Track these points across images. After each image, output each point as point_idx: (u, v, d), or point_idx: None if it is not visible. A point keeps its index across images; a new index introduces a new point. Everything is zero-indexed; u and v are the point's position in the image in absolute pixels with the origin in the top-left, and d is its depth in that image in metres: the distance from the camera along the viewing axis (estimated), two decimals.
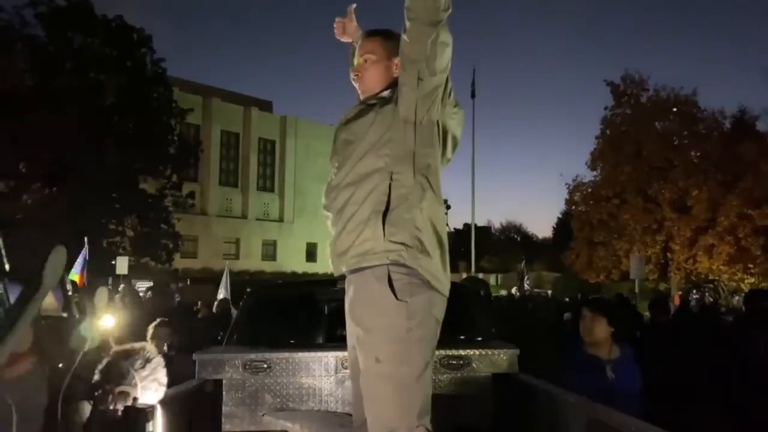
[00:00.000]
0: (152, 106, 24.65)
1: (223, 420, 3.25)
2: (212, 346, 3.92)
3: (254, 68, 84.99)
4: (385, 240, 1.96)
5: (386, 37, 2.24)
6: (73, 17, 22.80)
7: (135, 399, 2.23)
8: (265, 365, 3.27)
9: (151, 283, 17.44)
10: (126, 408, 2.08)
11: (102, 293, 1.84)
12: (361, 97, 2.24)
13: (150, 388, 2.31)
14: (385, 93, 2.15)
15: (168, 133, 25.60)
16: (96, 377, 2.22)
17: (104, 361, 2.30)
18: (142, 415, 2.04)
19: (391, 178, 2.00)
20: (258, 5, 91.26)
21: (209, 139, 35.56)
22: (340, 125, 2.20)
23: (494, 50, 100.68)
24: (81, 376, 2.11)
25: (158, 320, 4.73)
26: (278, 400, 3.27)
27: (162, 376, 2.39)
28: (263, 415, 3.24)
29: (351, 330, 2.12)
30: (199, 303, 9.45)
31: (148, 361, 2.35)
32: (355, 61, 2.26)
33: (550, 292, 23.34)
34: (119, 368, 2.28)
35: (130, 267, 16.83)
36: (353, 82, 2.27)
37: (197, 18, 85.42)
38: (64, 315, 1.69)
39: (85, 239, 8.92)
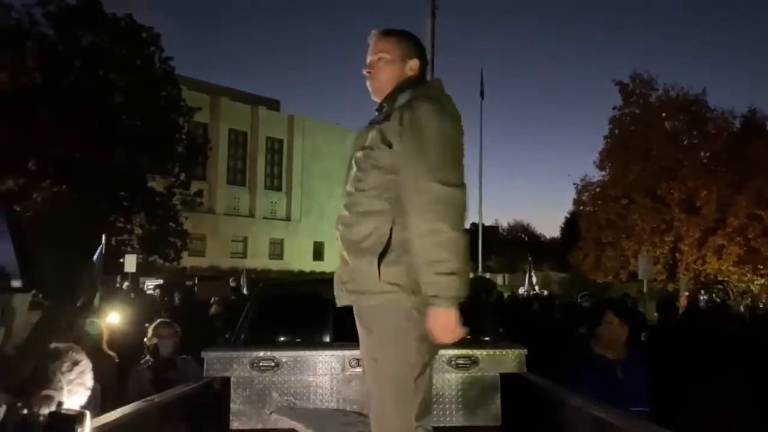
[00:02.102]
0: (160, 105, 24.76)
1: (231, 418, 3.26)
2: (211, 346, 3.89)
3: (262, 67, 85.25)
4: (381, 281, 1.95)
5: (401, 37, 2.23)
6: (82, 16, 22.94)
7: (60, 403, 2.18)
8: (273, 363, 3.28)
9: (160, 281, 17.53)
10: (52, 414, 2.03)
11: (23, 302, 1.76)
12: (372, 95, 2.23)
13: (76, 392, 2.25)
14: (385, 126, 2.04)
15: (176, 132, 25.72)
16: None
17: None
18: (70, 421, 2.00)
19: (393, 222, 1.98)
20: (266, 4, 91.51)
21: (217, 138, 35.68)
22: (353, 149, 2.19)
23: (503, 50, 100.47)
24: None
25: (158, 320, 4.49)
26: (285, 398, 3.28)
27: (88, 379, 2.32)
28: (271, 413, 3.25)
29: (358, 330, 2.14)
30: (213, 299, 9.48)
31: (75, 363, 2.28)
32: (368, 59, 2.23)
33: (546, 292, 23.16)
34: (45, 370, 2.22)
35: (138, 265, 16.93)
36: (366, 81, 2.26)
37: (205, 17, 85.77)
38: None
39: (102, 237, 8.94)
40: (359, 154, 2.09)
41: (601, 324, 3.20)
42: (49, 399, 2.20)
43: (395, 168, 1.99)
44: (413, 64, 2.20)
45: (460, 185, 1.92)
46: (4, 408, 1.90)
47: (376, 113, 2.20)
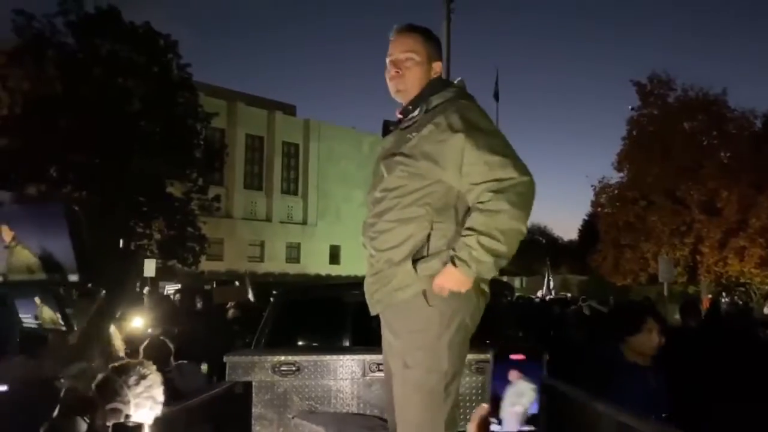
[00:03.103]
0: (178, 111, 25.01)
1: (252, 422, 3.28)
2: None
3: (278, 73, 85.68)
4: (419, 275, 1.96)
5: (427, 37, 2.17)
6: (101, 25, 23.29)
7: (127, 416, 2.24)
8: (294, 368, 3.30)
9: (178, 286, 17.70)
10: (115, 425, 2.09)
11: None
12: (396, 95, 2.15)
13: (144, 405, 2.30)
14: (425, 132, 2.00)
15: (194, 138, 25.96)
16: (90, 392, 2.23)
17: (99, 377, 2.31)
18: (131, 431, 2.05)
19: (432, 227, 1.97)
20: (282, 11, 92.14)
21: (234, 143, 35.94)
22: (380, 157, 2.15)
23: (518, 51, 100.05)
24: (77, 389, 2.13)
25: (148, 340, 4.15)
26: (306, 402, 3.30)
27: (158, 393, 2.38)
28: (293, 418, 3.26)
29: (384, 335, 2.13)
30: (230, 304, 9.55)
31: (143, 377, 2.34)
32: (394, 56, 2.13)
33: (569, 294, 22.97)
34: (113, 384, 2.28)
35: (157, 269, 17.11)
36: (389, 79, 2.15)
37: (222, 24, 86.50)
38: (64, 328, 1.69)
39: (120, 242, 9.05)
40: (392, 159, 2.05)
41: (641, 331, 3.11)
42: (116, 412, 2.24)
43: (434, 173, 1.97)
44: (437, 66, 2.17)
45: (532, 177, 1.96)
46: (83, 422, 1.92)
47: (400, 116, 2.15)
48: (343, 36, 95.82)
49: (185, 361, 4.10)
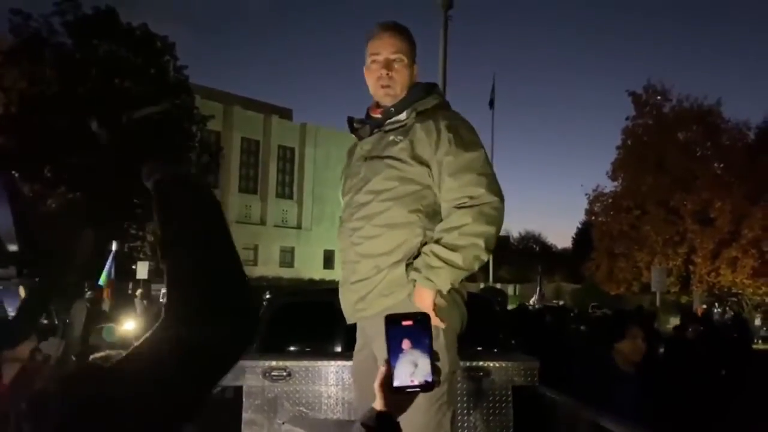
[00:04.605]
0: (174, 113, 24.98)
1: (242, 427, 3.26)
2: None
3: (275, 76, 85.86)
4: (409, 280, 1.95)
5: (411, 38, 2.15)
6: (99, 25, 23.27)
7: None
8: (285, 373, 3.29)
9: None
10: None
11: (81, 307, 1.71)
12: (385, 98, 2.10)
13: None
14: (418, 136, 1.99)
15: (189, 140, 25.92)
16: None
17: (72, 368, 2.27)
18: None
19: (425, 235, 1.96)
20: (279, 14, 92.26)
21: (229, 147, 35.92)
22: (359, 158, 2.12)
23: (515, 59, 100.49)
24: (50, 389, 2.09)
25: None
26: (297, 408, 3.28)
27: None
28: (283, 423, 3.25)
29: (362, 345, 2.11)
30: None
31: None
32: (384, 56, 2.08)
33: (562, 302, 23.03)
34: None
35: (150, 271, 17.04)
36: (377, 79, 2.09)
37: (219, 26, 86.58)
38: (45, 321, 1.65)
39: (113, 243, 8.98)
40: (379, 162, 2.02)
41: (625, 338, 3.13)
42: None
43: (425, 178, 1.97)
44: (416, 68, 2.15)
45: (502, 198, 1.95)
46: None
47: (378, 115, 2.11)
48: (340, 41, 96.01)
49: None
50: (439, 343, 1.90)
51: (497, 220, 1.92)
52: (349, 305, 2.09)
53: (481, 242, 1.88)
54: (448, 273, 1.87)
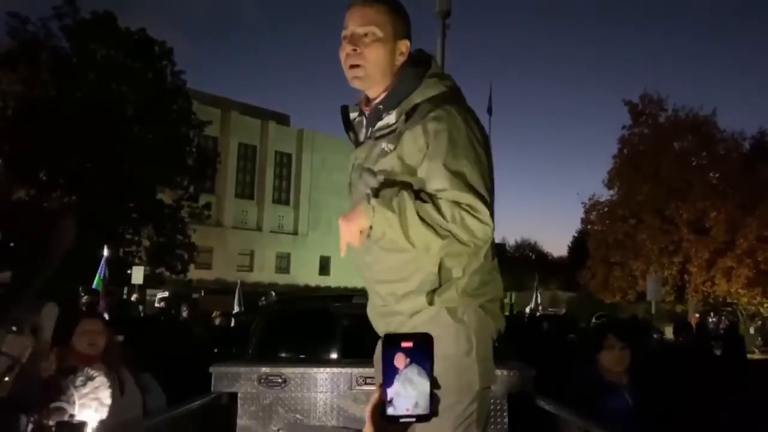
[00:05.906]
0: (172, 118, 24.97)
1: None
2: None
3: (272, 82, 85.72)
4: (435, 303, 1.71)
5: (393, 8, 1.76)
6: (97, 30, 23.27)
7: (71, 415, 2.23)
8: (280, 379, 3.28)
9: (166, 293, 17.58)
10: (59, 423, 2.08)
11: (51, 310, 1.69)
12: (354, 82, 1.78)
13: (90, 406, 2.30)
14: (407, 144, 1.68)
15: (186, 145, 25.91)
16: (35, 391, 2.21)
17: (45, 376, 2.28)
18: (74, 429, 2.04)
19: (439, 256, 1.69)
20: (277, 20, 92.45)
21: (227, 152, 35.93)
22: (357, 166, 1.83)
23: (512, 67, 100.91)
24: (20, 388, 2.10)
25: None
26: (292, 414, 3.27)
27: (105, 396, 2.37)
28: (278, 430, 3.24)
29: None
30: (215, 313, 9.51)
31: (90, 379, 2.34)
32: (350, 29, 1.73)
33: (563, 311, 23.04)
34: (58, 384, 2.28)
35: (145, 277, 17.00)
36: (344, 60, 1.76)
37: (217, 32, 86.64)
38: None
39: (105, 247, 8.99)
40: (371, 177, 1.73)
41: (603, 348, 3.13)
42: (59, 411, 2.25)
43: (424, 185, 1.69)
44: (404, 46, 1.77)
45: (491, 226, 1.65)
46: (24, 418, 1.92)
47: (367, 109, 1.81)
48: (338, 47, 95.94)
49: (147, 373, 4.03)
50: (471, 358, 1.70)
51: (473, 233, 1.62)
52: (379, 321, 1.88)
53: (437, 237, 1.61)
54: (391, 221, 1.59)
